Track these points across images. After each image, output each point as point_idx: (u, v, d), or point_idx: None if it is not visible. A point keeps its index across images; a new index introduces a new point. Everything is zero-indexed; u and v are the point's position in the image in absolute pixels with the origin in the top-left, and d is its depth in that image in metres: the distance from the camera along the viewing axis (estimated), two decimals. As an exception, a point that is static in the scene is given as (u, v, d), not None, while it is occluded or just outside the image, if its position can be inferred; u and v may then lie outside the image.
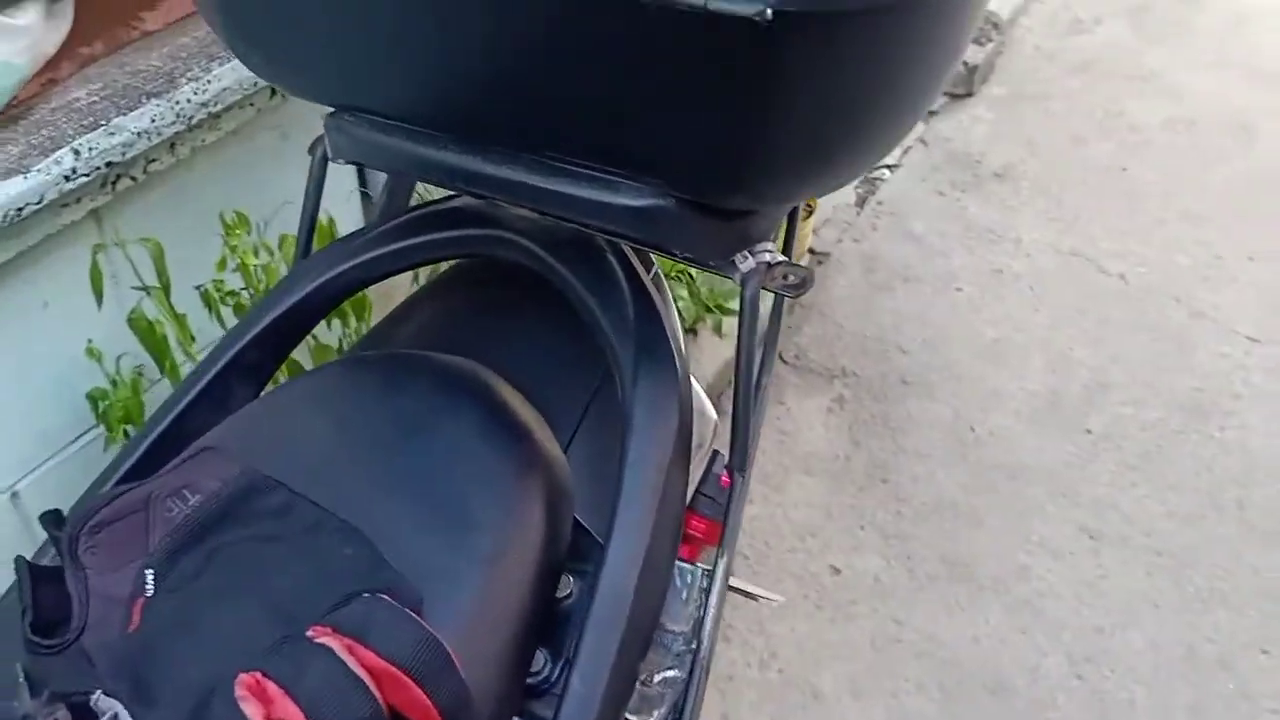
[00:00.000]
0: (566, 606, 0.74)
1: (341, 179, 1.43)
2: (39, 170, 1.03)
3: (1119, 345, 2.16)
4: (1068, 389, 2.07)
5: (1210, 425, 1.99)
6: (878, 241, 2.44)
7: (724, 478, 0.90)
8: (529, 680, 0.70)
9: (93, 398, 1.19)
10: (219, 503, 0.69)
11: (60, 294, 1.15)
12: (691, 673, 0.79)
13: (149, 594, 0.65)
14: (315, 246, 0.97)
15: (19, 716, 0.58)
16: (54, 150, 1.05)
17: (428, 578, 0.65)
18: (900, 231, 2.47)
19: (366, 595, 0.63)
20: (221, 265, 1.20)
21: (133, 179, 1.17)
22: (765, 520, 1.84)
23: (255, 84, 1.23)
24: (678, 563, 0.80)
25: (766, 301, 0.99)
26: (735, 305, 0.94)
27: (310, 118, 0.89)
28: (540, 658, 0.71)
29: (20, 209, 1.02)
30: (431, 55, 0.72)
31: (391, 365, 0.83)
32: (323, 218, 1.22)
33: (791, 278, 0.77)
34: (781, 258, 0.78)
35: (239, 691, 0.56)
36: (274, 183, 1.32)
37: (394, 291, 1.19)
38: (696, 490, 0.94)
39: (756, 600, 1.14)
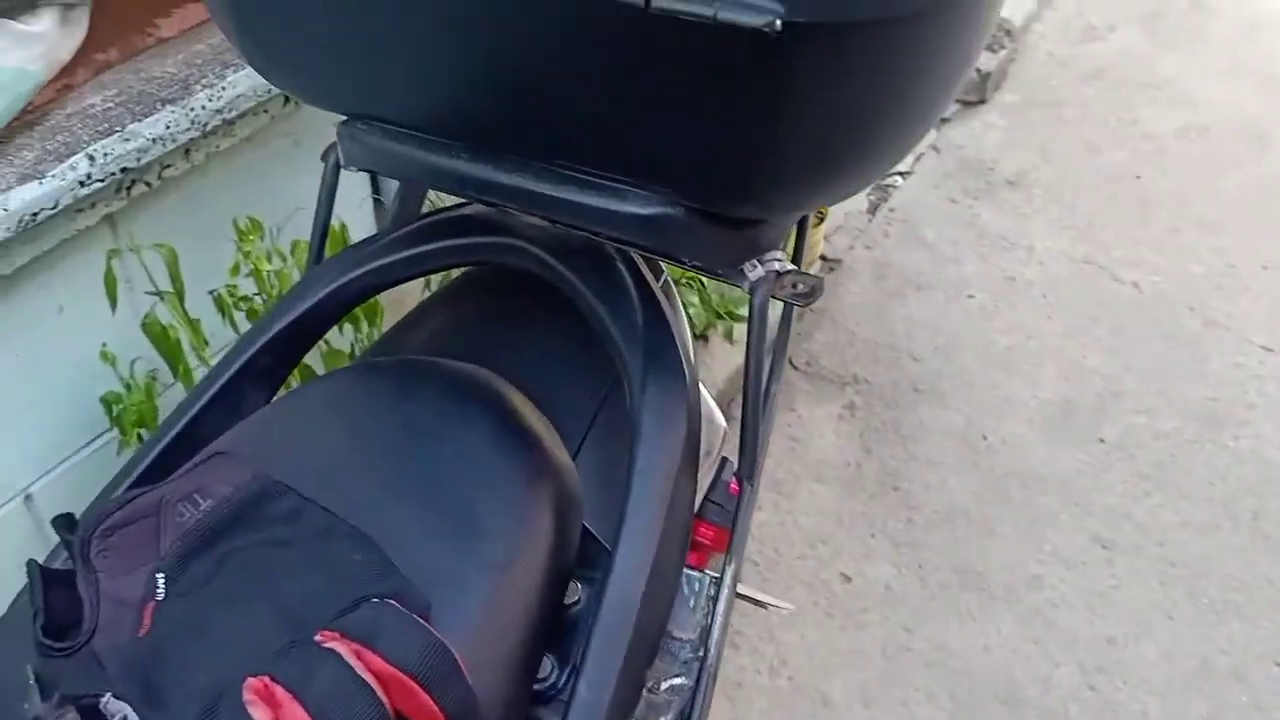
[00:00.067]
0: (574, 613, 0.74)
1: (355, 186, 1.43)
2: (54, 176, 1.04)
3: (1132, 354, 2.15)
4: (1081, 397, 2.07)
5: (1224, 435, 1.98)
6: (890, 249, 2.44)
7: (733, 485, 0.90)
8: (536, 687, 0.70)
9: (107, 402, 1.20)
10: (230, 507, 0.69)
11: (75, 299, 1.16)
12: (699, 680, 0.79)
13: (160, 598, 0.66)
14: (328, 253, 0.98)
15: (30, 718, 0.58)
16: (69, 156, 1.06)
17: (436, 584, 0.66)
18: (912, 239, 2.47)
19: (375, 600, 0.63)
20: (235, 271, 1.20)
21: (147, 185, 1.18)
22: (776, 527, 1.84)
23: (269, 91, 1.24)
24: (686, 570, 0.80)
25: (776, 310, 0.99)
26: (746, 312, 0.94)
27: (323, 125, 0.89)
28: (548, 664, 0.71)
29: (35, 214, 1.03)
30: (444, 64, 0.72)
31: (402, 371, 0.84)
32: (335, 224, 1.23)
33: (801, 286, 0.77)
34: (791, 266, 0.79)
35: (247, 695, 0.57)
36: (287, 189, 1.33)
37: (406, 297, 1.20)
38: (705, 497, 0.94)
39: (766, 608, 1.14)
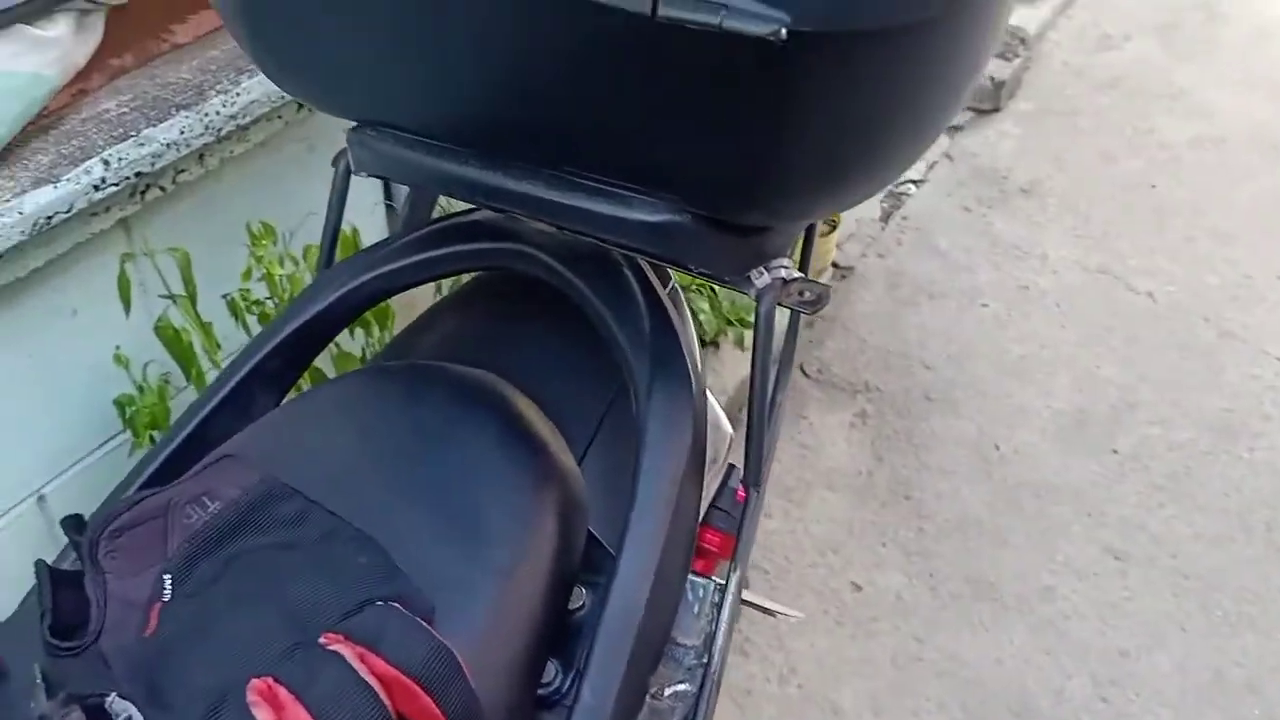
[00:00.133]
0: (579, 618, 0.74)
1: (366, 191, 1.44)
2: (69, 180, 1.05)
3: (1147, 364, 2.14)
4: (1095, 408, 2.06)
5: (1239, 446, 1.97)
6: (902, 257, 2.44)
7: (739, 492, 0.90)
8: (540, 691, 0.70)
9: (120, 404, 1.21)
10: (238, 510, 0.69)
11: (89, 302, 1.17)
12: (702, 686, 0.79)
13: (166, 599, 0.66)
14: (338, 257, 0.98)
15: (36, 717, 0.59)
16: (84, 160, 1.07)
17: (441, 587, 0.66)
18: (925, 247, 2.46)
19: (379, 604, 0.63)
20: (247, 275, 1.21)
21: (161, 189, 1.18)
22: (786, 535, 1.83)
23: (283, 97, 1.25)
24: (690, 576, 0.80)
25: (785, 317, 0.99)
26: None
27: (336, 131, 0.90)
28: (551, 669, 0.71)
29: (50, 218, 1.04)
30: (453, 72, 0.72)
31: (410, 376, 0.84)
32: (347, 229, 1.24)
33: (808, 294, 0.77)
34: (798, 274, 0.79)
35: (251, 697, 0.57)
36: (300, 194, 1.33)
37: (417, 301, 1.20)
38: (712, 504, 0.94)
39: (774, 616, 1.14)
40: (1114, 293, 2.32)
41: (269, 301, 1.24)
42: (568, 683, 0.71)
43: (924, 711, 1.58)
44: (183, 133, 1.15)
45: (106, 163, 1.08)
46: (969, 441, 1.99)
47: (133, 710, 0.58)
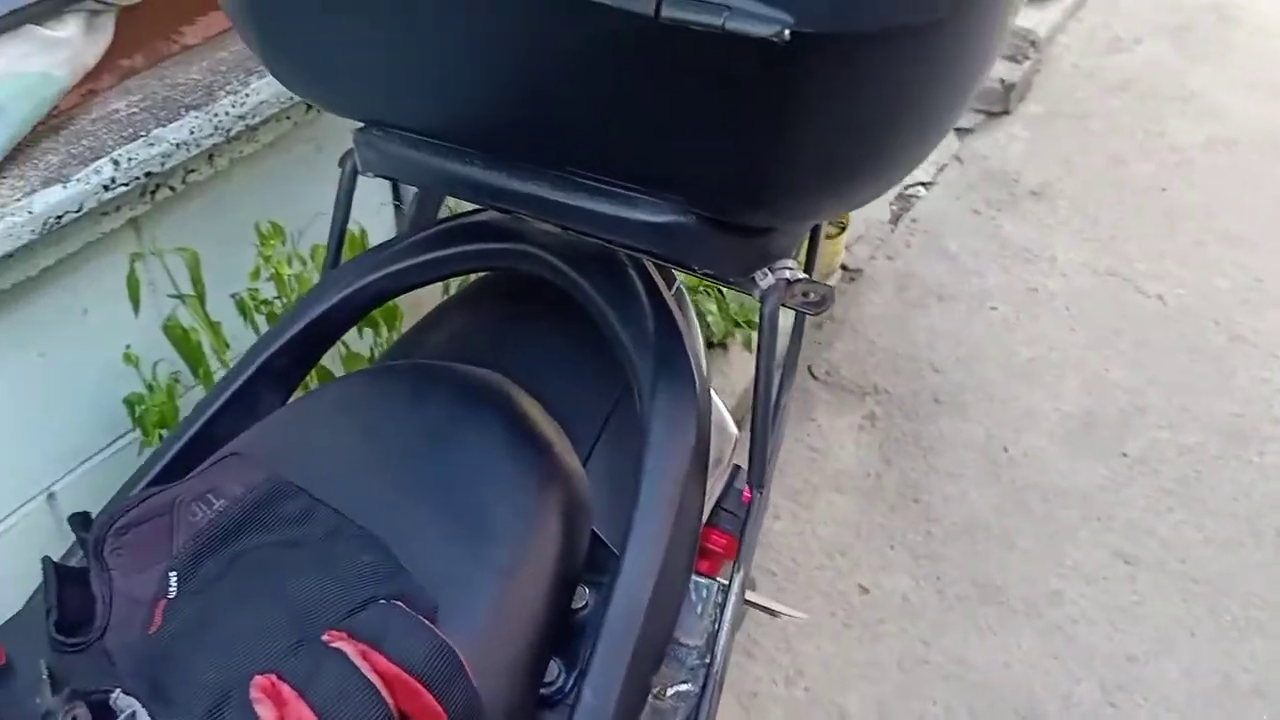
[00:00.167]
0: (582, 618, 0.74)
1: (374, 191, 1.44)
2: (78, 179, 1.05)
3: (1157, 368, 2.14)
4: (1104, 411, 2.05)
5: (1249, 450, 1.96)
6: (911, 259, 2.43)
7: (746, 493, 0.90)
8: (543, 690, 0.70)
9: (129, 402, 1.21)
10: (242, 508, 0.70)
11: (100, 301, 1.17)
12: (704, 687, 0.79)
13: (171, 596, 0.67)
14: (346, 257, 0.99)
15: (41, 713, 0.59)
16: (94, 160, 1.08)
17: (444, 586, 0.66)
18: (934, 249, 2.46)
19: (382, 602, 0.64)
20: (255, 275, 1.21)
21: (171, 189, 1.19)
22: (794, 537, 1.83)
23: (291, 98, 1.25)
24: (694, 577, 0.80)
25: (791, 318, 0.99)
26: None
27: (344, 131, 0.91)
28: (554, 668, 0.71)
29: (60, 217, 1.04)
30: (458, 74, 0.73)
31: (416, 375, 0.84)
32: (355, 229, 1.24)
33: (812, 295, 0.77)
34: (802, 275, 0.79)
35: (254, 693, 0.57)
36: (309, 194, 1.34)
37: (425, 301, 1.21)
38: (718, 505, 0.94)
39: (778, 617, 1.14)
40: (1124, 296, 2.32)
41: (277, 301, 1.24)
42: (570, 682, 0.71)
43: (930, 715, 1.57)
44: (192, 133, 1.16)
45: (116, 162, 1.09)
46: (977, 444, 1.99)
47: (137, 706, 0.59)
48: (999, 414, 2.05)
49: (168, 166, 1.14)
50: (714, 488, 0.91)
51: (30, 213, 1.02)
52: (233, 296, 1.23)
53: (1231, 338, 2.20)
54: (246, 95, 1.21)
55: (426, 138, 0.81)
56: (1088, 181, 2.67)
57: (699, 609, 0.80)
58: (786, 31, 0.55)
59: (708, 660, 0.79)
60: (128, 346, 1.21)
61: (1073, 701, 1.58)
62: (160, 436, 1.19)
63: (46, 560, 0.67)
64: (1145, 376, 2.12)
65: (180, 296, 1.16)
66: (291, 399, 0.90)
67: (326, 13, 0.74)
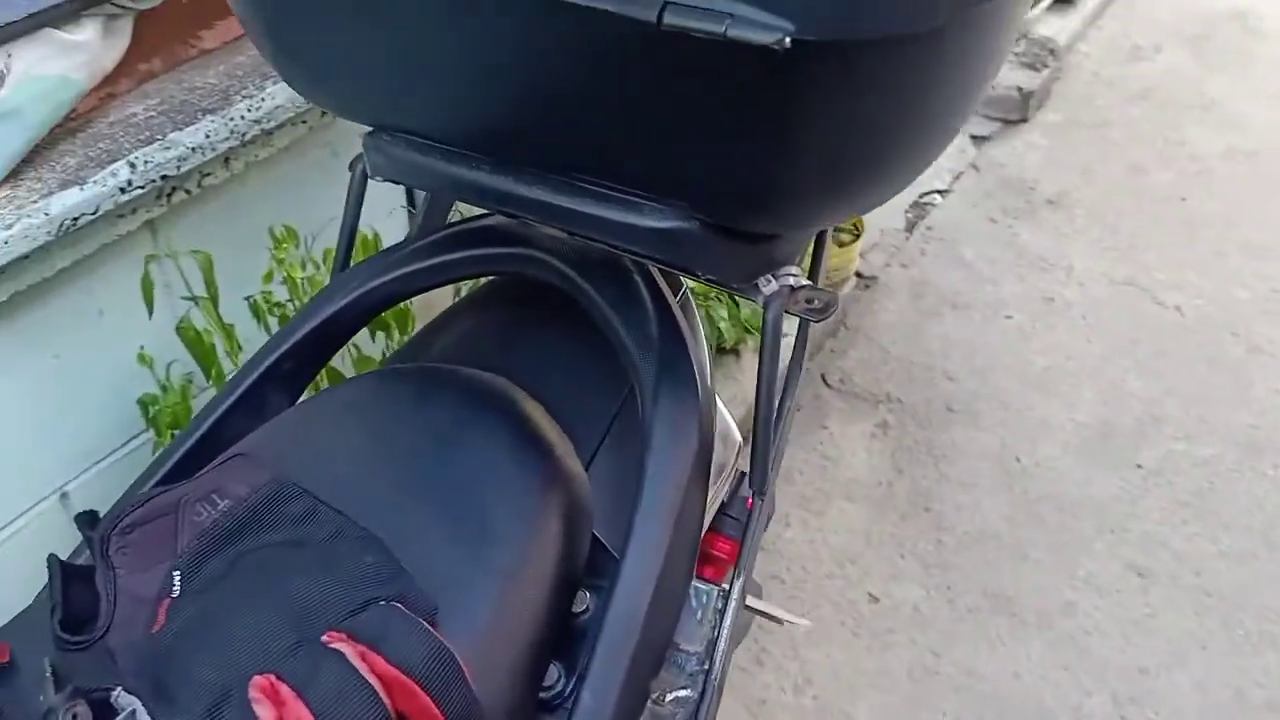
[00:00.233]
0: (583, 622, 0.74)
1: (387, 196, 1.45)
2: (95, 182, 1.07)
3: (1173, 378, 2.12)
4: (1119, 421, 2.04)
5: (1265, 463, 1.94)
6: (926, 267, 2.43)
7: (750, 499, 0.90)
8: (542, 694, 0.71)
9: (143, 403, 1.23)
10: (246, 508, 0.71)
11: (115, 302, 1.19)
12: (703, 693, 0.79)
13: (175, 595, 0.67)
14: (359, 260, 0.99)
15: (44, 710, 0.60)
16: (110, 163, 1.09)
17: (444, 588, 0.67)
18: (950, 257, 2.45)
19: (382, 603, 0.64)
20: (268, 278, 1.22)
21: (187, 192, 1.20)
22: (804, 545, 1.83)
23: (307, 103, 1.26)
24: (694, 583, 0.81)
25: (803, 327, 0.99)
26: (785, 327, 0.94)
27: (359, 136, 0.91)
28: (554, 672, 0.71)
29: (76, 219, 1.06)
30: (464, 80, 0.73)
31: (421, 378, 0.85)
32: (368, 233, 1.25)
33: (816, 302, 0.77)
34: (806, 281, 0.79)
35: (253, 693, 0.58)
36: (323, 198, 1.35)
37: (437, 304, 1.22)
38: (724, 512, 0.94)
39: (782, 624, 1.14)
40: (1141, 306, 2.30)
41: (290, 304, 1.25)
42: (570, 686, 0.71)
43: (940, 726, 1.57)
44: (208, 137, 1.17)
45: (133, 165, 1.10)
46: (991, 454, 1.98)
47: (137, 705, 0.59)
48: (1013, 423, 2.04)
49: (184, 170, 1.16)
50: (719, 494, 0.91)
51: (47, 214, 1.03)
52: (246, 299, 1.24)
53: (1250, 349, 2.18)
54: (262, 100, 1.22)
55: (434, 142, 0.82)
56: (1106, 190, 2.65)
57: (699, 614, 0.80)
58: (787, 39, 0.55)
59: (707, 666, 0.79)
60: (142, 348, 1.22)
61: (1083, 713, 1.57)
62: (173, 437, 1.20)
63: (52, 558, 0.68)
64: (1162, 387, 2.10)
65: (193, 298, 1.17)
66: (300, 400, 0.91)
67: (335, 19, 0.75)
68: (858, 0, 0.57)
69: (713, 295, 1.89)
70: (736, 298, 1.94)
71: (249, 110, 1.21)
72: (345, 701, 0.58)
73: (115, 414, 1.23)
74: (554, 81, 0.69)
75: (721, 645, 0.79)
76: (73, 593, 0.66)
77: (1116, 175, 2.71)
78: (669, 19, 0.57)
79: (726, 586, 0.83)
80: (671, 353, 0.79)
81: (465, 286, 1.29)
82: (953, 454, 1.98)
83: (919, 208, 2.59)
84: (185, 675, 0.61)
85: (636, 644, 0.69)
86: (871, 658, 1.66)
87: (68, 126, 1.12)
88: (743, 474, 0.95)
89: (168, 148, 1.13)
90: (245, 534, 0.69)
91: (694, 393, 0.78)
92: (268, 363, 0.87)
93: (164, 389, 1.22)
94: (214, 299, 1.17)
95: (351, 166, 0.94)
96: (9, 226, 1.00)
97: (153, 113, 1.17)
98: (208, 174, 1.22)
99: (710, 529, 0.91)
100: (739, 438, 0.99)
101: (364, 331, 1.28)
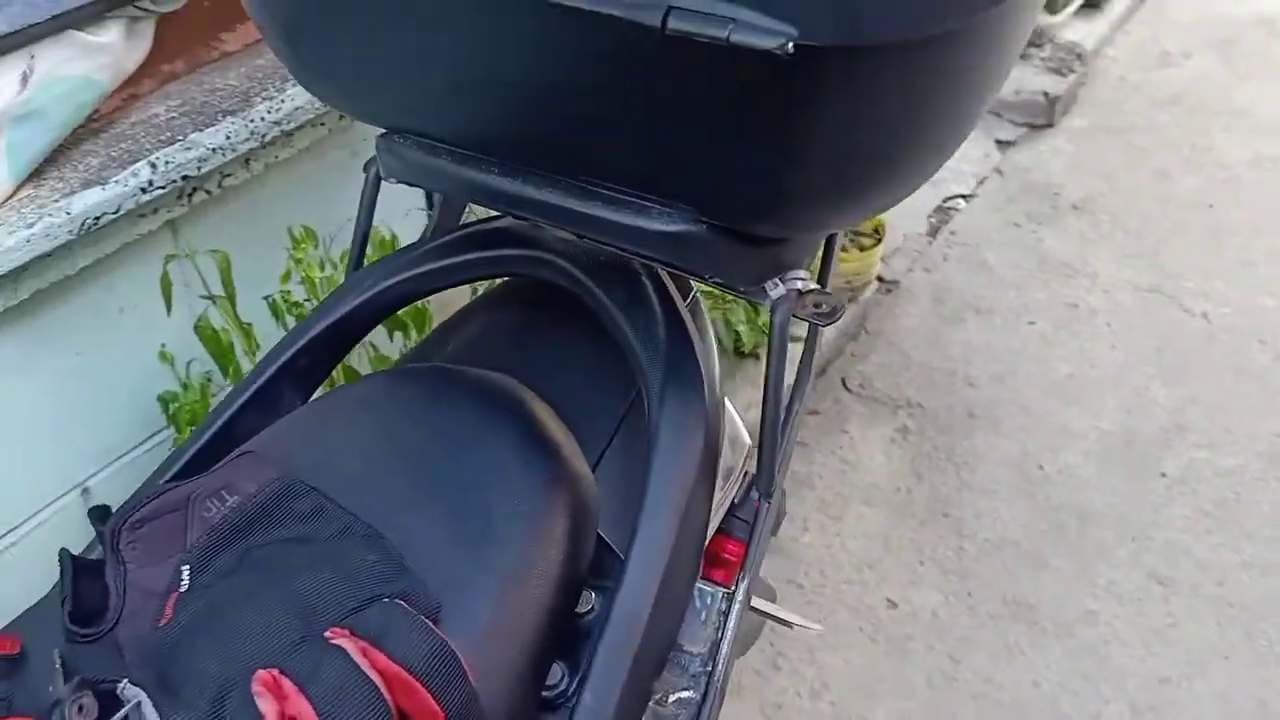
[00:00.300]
0: (587, 622, 0.74)
1: (405, 197, 1.46)
2: (116, 181, 1.08)
3: (1198, 387, 2.10)
4: (1143, 430, 2.02)
5: (1290, 473, 1.92)
6: (949, 272, 2.41)
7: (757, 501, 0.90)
8: (545, 693, 0.71)
9: (164, 400, 1.24)
10: (255, 505, 0.71)
11: (136, 300, 1.20)
12: (705, 695, 0.79)
13: (184, 589, 0.68)
14: (377, 261, 1.00)
15: (52, 700, 0.61)
16: (132, 163, 1.10)
17: (448, 587, 0.67)
18: (973, 262, 2.44)
19: (385, 600, 0.65)
20: (285, 277, 1.24)
21: (208, 192, 1.22)
22: (823, 550, 1.82)
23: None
24: (699, 585, 0.81)
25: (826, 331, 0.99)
26: (798, 331, 0.94)
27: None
28: (558, 671, 0.72)
29: (98, 218, 1.07)
30: (473, 83, 0.74)
31: (431, 378, 0.85)
32: (386, 233, 1.26)
33: (824, 306, 0.77)
34: (813, 285, 0.79)
35: (255, 687, 0.59)
36: (342, 199, 1.36)
37: (456, 304, 1.22)
38: (733, 514, 0.94)
39: (792, 628, 1.14)
40: (1166, 313, 2.28)
41: (308, 303, 1.26)
42: (574, 685, 0.72)
43: (957, 733, 1.56)
44: (229, 138, 1.18)
45: (154, 166, 1.12)
46: (1012, 461, 1.97)
47: (143, 696, 0.60)
48: (1035, 430, 2.02)
49: (204, 170, 1.17)
50: (728, 496, 0.91)
51: (69, 213, 1.05)
52: (265, 298, 1.25)
53: (1276, 357, 2.15)
54: (282, 101, 1.23)
55: (445, 145, 0.82)
56: (1132, 196, 2.63)
57: (703, 616, 0.80)
58: (790, 45, 0.55)
59: (710, 668, 0.79)
60: (163, 345, 1.23)
61: (1102, 722, 1.56)
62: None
63: (64, 552, 0.68)
64: (1186, 395, 2.08)
65: (211, 297, 1.19)
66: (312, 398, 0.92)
67: (349, 23, 0.76)
68: (860, 6, 0.56)
69: (730, 299, 1.89)
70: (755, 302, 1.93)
71: (269, 112, 1.22)
72: (346, 696, 0.58)
73: (136, 411, 1.25)
74: (562, 85, 0.69)
75: (725, 647, 0.79)
76: (83, 586, 0.67)
77: (1143, 181, 2.68)
78: (673, 24, 0.58)
79: (733, 589, 0.83)
80: (678, 355, 0.80)
81: (482, 286, 1.30)
82: (973, 460, 1.97)
83: (942, 212, 2.58)
84: (190, 668, 0.62)
85: (639, 645, 0.69)
86: (889, 664, 1.65)
87: (90, 127, 1.14)
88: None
89: (189, 148, 1.15)
90: (253, 530, 0.70)
91: (700, 395, 0.78)
92: (281, 361, 0.87)
93: (184, 386, 1.24)
94: (231, 298, 1.19)
95: (366, 168, 0.95)
96: (32, 225, 1.02)
97: (174, 114, 1.19)
98: (228, 174, 1.23)
99: (720, 531, 0.91)
100: (749, 440, 0.99)
101: (383, 331, 1.30)
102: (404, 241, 1.33)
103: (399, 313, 1.26)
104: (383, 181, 0.93)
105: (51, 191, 1.06)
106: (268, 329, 1.25)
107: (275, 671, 0.60)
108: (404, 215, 1.21)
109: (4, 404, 1.11)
